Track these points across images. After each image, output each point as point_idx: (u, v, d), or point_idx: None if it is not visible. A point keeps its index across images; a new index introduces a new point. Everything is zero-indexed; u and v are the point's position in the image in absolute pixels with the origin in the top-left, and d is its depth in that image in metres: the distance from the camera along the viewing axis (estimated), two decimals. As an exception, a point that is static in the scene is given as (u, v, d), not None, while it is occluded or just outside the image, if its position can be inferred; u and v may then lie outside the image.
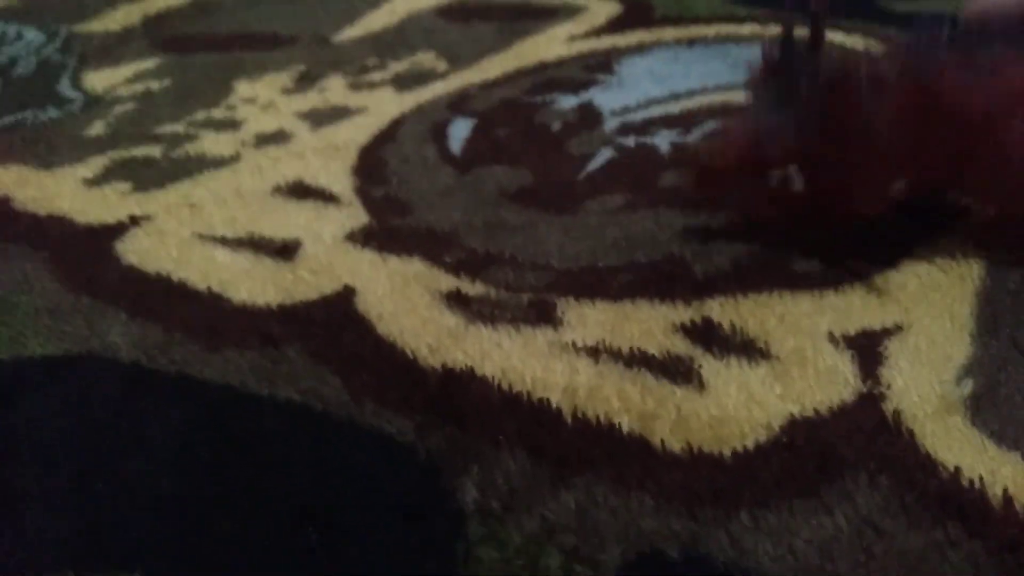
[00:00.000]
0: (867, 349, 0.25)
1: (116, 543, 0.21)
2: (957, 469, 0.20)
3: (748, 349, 0.25)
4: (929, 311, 0.26)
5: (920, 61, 0.27)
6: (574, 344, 0.26)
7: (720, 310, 0.27)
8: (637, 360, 0.25)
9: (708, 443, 0.22)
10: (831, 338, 0.25)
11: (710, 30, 0.56)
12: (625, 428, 0.23)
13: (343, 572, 0.20)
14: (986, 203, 0.27)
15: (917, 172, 0.28)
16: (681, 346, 0.25)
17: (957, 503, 0.20)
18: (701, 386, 0.24)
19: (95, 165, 0.40)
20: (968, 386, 0.23)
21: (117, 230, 0.34)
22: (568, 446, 0.22)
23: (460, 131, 0.43)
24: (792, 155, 0.28)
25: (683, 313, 0.27)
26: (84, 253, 0.33)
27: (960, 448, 0.21)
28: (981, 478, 0.20)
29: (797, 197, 0.29)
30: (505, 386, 0.24)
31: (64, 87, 0.52)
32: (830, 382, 0.23)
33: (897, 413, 0.22)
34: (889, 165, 0.27)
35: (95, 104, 0.49)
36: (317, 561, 0.21)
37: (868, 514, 0.20)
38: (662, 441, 0.23)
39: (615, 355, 0.25)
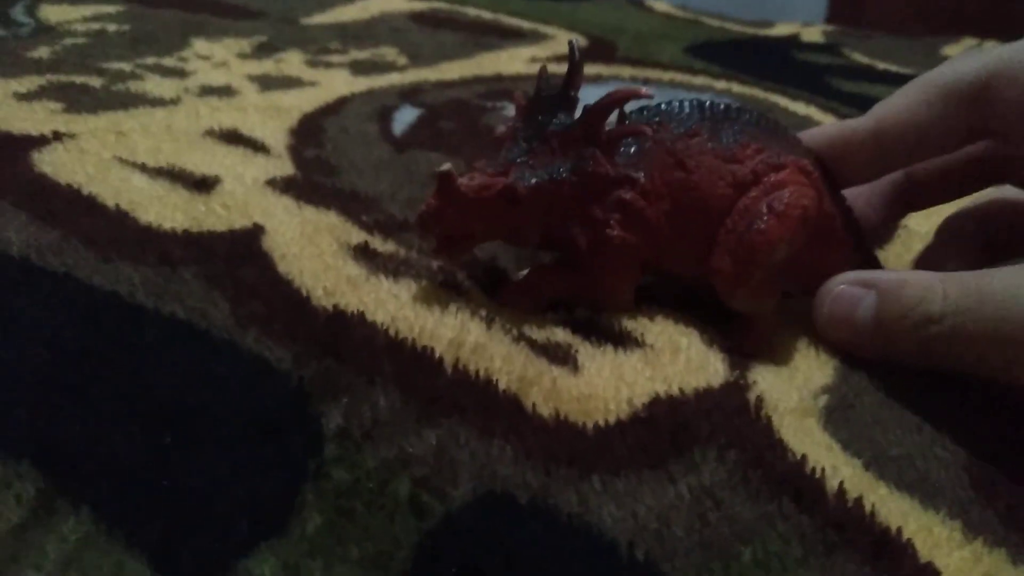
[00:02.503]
0: (737, 358, 0.26)
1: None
2: (804, 456, 0.21)
3: (624, 339, 0.26)
4: (798, 346, 0.27)
5: (674, 132, 0.26)
6: (471, 309, 0.26)
7: (606, 313, 0.27)
8: (524, 339, 0.26)
9: (574, 414, 0.23)
10: (706, 340, 0.26)
11: (665, 75, 0.58)
12: (502, 386, 0.23)
13: (190, 475, 0.20)
14: (726, 300, 0.26)
15: (670, 251, 0.27)
16: (562, 335, 0.26)
17: (796, 484, 0.20)
18: (576, 368, 0.25)
19: (30, 83, 0.40)
20: (823, 400, 0.24)
21: (37, 141, 0.34)
22: (442, 391, 0.23)
23: (405, 117, 0.44)
24: (541, 198, 0.25)
25: (574, 311, 0.27)
26: (-2, 157, 0.32)
27: (810, 442, 0.22)
28: (823, 469, 0.21)
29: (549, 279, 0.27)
30: (392, 332, 0.25)
31: (17, 12, 0.51)
32: (699, 369, 0.24)
33: (759, 399, 0.23)
34: (648, 239, 0.26)
35: (45, 32, 0.49)
36: (166, 462, 0.20)
37: (710, 485, 0.20)
38: (533, 405, 0.23)
39: (506, 329, 0.26)
